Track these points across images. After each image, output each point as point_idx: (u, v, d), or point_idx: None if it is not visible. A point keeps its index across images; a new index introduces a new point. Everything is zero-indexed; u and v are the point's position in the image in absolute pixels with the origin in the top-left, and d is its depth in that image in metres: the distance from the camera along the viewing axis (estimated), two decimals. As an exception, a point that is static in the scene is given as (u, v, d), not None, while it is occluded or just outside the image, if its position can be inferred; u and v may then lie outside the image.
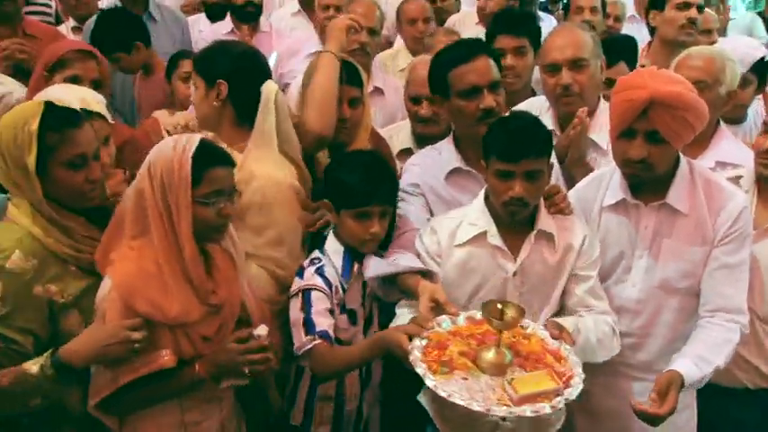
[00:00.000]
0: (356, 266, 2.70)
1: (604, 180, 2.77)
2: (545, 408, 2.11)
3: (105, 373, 2.30)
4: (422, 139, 3.40)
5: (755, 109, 3.98)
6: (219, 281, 2.46)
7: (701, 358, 2.46)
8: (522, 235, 2.61)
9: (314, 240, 2.94)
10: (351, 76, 3.05)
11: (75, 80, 3.16)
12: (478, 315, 2.38)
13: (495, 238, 2.59)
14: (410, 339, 2.27)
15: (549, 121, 3.18)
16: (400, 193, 2.92)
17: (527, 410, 2.09)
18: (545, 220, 2.62)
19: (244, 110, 2.84)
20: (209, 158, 2.36)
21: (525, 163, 2.47)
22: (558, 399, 2.14)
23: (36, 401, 2.26)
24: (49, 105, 2.33)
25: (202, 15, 5.52)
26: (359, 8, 4.10)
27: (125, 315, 2.27)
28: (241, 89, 2.83)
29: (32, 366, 2.20)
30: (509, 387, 2.14)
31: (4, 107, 3.39)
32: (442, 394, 2.11)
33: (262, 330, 2.37)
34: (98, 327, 2.26)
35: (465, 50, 2.91)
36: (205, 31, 5.23)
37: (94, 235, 2.42)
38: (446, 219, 2.72)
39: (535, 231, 2.60)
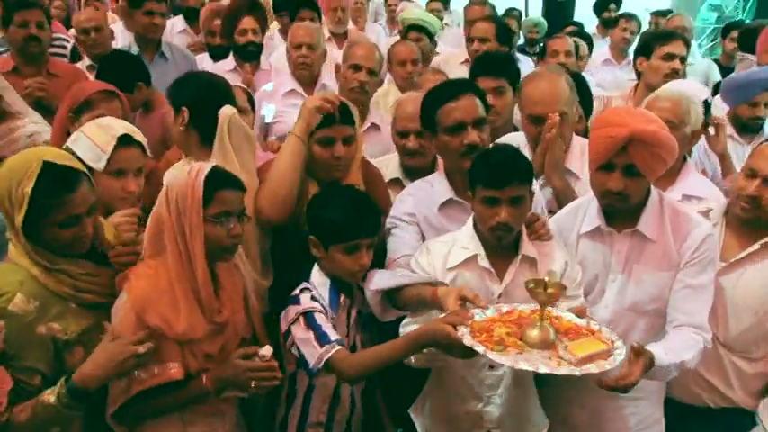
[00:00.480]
0: (342, 298, 2.66)
1: (581, 209, 2.80)
2: (605, 365, 2.13)
3: (119, 383, 2.29)
4: (409, 171, 3.39)
5: (698, 145, 3.99)
6: (225, 300, 2.47)
7: (670, 349, 2.45)
8: (508, 259, 2.62)
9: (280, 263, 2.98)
10: (343, 115, 2.95)
11: None
12: (504, 308, 2.38)
13: (484, 260, 2.60)
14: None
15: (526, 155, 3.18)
16: (395, 221, 2.90)
17: (592, 368, 2.11)
18: (528, 246, 2.63)
19: (206, 133, 2.94)
20: (219, 181, 2.38)
21: (510, 189, 2.49)
22: (613, 357, 2.16)
23: (56, 430, 2.22)
24: (46, 166, 2.21)
25: (206, 55, 5.56)
26: (359, 50, 4.12)
27: (137, 327, 2.28)
28: (201, 115, 2.96)
29: (50, 396, 2.15)
30: (566, 353, 2.15)
31: (31, 143, 3.46)
32: (508, 364, 2.12)
33: (266, 351, 2.34)
34: (104, 347, 2.21)
35: (452, 89, 2.91)
36: (208, 70, 5.23)
37: (92, 271, 2.38)
38: (438, 243, 2.72)
39: (520, 256, 2.61)
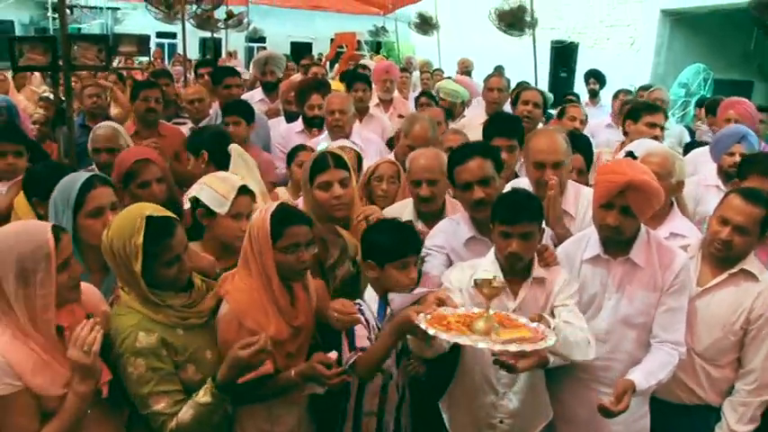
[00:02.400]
0: (388, 310, 2.60)
1: (584, 239, 2.81)
2: (524, 347, 2.05)
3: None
4: (422, 215, 3.25)
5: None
6: (299, 309, 2.49)
7: (649, 373, 2.53)
8: (521, 280, 2.63)
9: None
10: (337, 160, 2.89)
11: (146, 185, 3.11)
12: (474, 310, 2.28)
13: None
14: None
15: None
16: (428, 250, 2.88)
17: (511, 346, 2.04)
18: (539, 269, 2.64)
19: (220, 165, 3.31)
20: (288, 219, 2.40)
21: (520, 226, 2.51)
22: (540, 342, 2.08)
23: (217, 418, 2.23)
24: (149, 220, 2.19)
25: (282, 118, 5.69)
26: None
27: (237, 330, 2.33)
28: (216, 153, 3.42)
29: (203, 397, 2.18)
30: (494, 335, 2.07)
31: None
32: (443, 336, 2.07)
33: (333, 355, 2.36)
34: (230, 354, 2.21)
35: (464, 153, 2.89)
36: (283, 130, 5.34)
37: (187, 301, 2.33)
38: (466, 266, 2.73)
39: (531, 278, 2.62)
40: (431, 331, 2.09)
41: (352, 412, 2.62)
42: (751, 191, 2.89)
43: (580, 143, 3.88)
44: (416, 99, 5.99)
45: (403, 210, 3.37)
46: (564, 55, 11.24)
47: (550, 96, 7.25)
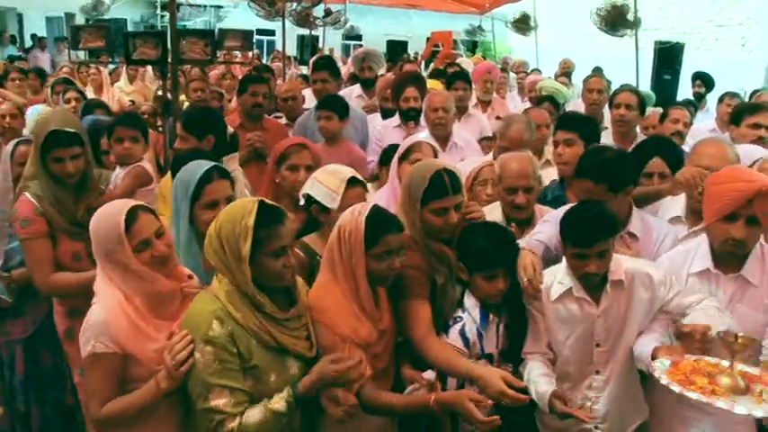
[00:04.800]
0: (491, 316, 2.55)
1: (692, 251, 2.66)
2: None
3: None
4: (512, 220, 3.10)
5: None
6: (383, 311, 2.45)
7: None
8: (600, 285, 2.53)
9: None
10: (455, 187, 2.62)
11: (294, 168, 3.16)
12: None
13: (579, 291, 2.53)
14: None
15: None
16: (536, 230, 2.81)
17: None
18: (616, 271, 2.52)
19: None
20: (383, 225, 2.33)
21: (597, 246, 2.42)
22: None
23: (279, 427, 2.12)
24: (261, 204, 2.14)
25: (378, 114, 5.69)
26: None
27: (330, 336, 2.28)
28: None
29: (277, 404, 2.09)
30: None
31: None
32: (718, 402, 2.02)
33: (430, 375, 2.34)
34: (317, 369, 2.15)
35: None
36: (379, 126, 5.32)
37: (278, 315, 2.18)
38: (545, 274, 2.59)
39: (608, 284, 2.52)
40: (693, 395, 2.04)
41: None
42: None
43: (662, 146, 3.57)
44: (539, 102, 5.83)
45: (491, 211, 3.21)
46: (668, 56, 10.71)
47: (651, 95, 6.93)
